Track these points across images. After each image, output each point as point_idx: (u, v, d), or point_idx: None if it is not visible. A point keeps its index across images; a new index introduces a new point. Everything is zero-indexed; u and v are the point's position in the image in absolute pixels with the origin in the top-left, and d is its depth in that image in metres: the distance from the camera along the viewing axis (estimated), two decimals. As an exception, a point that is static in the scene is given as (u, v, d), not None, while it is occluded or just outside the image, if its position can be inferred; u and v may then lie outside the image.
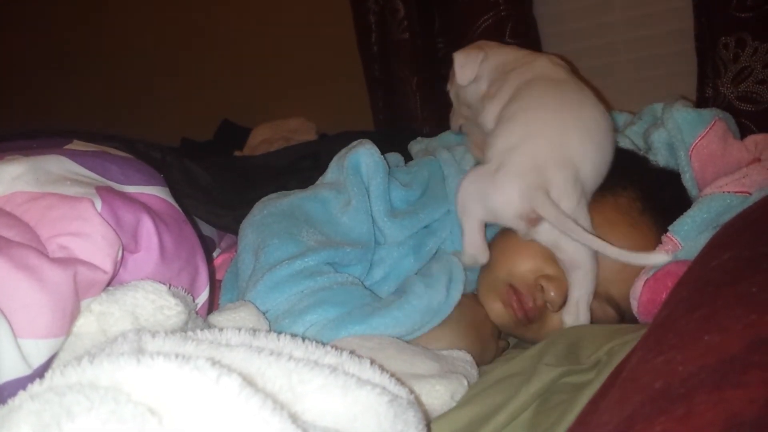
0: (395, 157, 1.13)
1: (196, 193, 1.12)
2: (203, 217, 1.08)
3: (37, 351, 0.58)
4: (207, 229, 1.10)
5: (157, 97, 2.56)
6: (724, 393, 0.41)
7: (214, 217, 1.10)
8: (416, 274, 0.95)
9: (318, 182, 1.07)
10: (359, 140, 1.04)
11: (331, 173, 1.05)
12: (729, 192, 0.86)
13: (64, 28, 2.69)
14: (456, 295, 0.91)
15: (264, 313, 0.88)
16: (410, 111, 1.92)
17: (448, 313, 0.90)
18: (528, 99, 0.98)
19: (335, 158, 1.05)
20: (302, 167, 1.42)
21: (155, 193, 0.80)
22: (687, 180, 0.97)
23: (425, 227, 1.03)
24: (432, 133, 1.80)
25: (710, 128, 0.95)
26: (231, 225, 1.06)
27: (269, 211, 0.98)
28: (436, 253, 1.00)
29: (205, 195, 1.14)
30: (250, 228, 0.97)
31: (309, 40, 2.23)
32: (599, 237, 0.86)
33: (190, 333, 0.62)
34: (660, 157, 1.02)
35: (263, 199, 1.03)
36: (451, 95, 1.20)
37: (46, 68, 2.75)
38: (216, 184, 1.19)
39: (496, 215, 0.92)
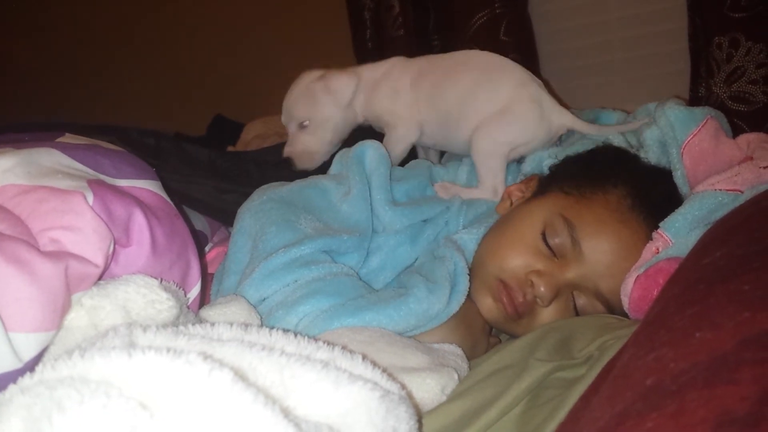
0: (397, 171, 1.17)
1: (196, 171, 1.12)
2: (209, 194, 1.08)
3: (28, 345, 0.58)
4: (199, 224, 1.10)
5: (149, 92, 2.55)
6: (715, 390, 0.41)
7: (219, 192, 1.11)
8: (419, 273, 0.94)
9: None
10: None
11: (334, 167, 1.08)
12: (721, 190, 0.86)
13: (58, 24, 2.68)
14: (456, 306, 0.91)
15: (262, 300, 0.89)
16: (404, 107, 1.92)
17: (444, 321, 0.91)
18: (460, 84, 1.16)
19: (340, 153, 1.08)
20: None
21: (147, 186, 0.80)
22: (678, 177, 0.98)
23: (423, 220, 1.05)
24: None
25: (702, 126, 0.95)
26: (234, 204, 1.06)
27: (269, 197, 0.99)
28: (438, 252, 1.00)
29: (207, 171, 1.14)
30: (248, 213, 0.99)
31: (303, 35, 2.22)
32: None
33: (181, 327, 0.61)
34: (652, 155, 1.03)
35: (263, 186, 1.04)
36: (305, 139, 1.27)
37: (40, 65, 2.74)
38: (217, 157, 1.20)
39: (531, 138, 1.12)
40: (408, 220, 1.02)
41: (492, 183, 1.11)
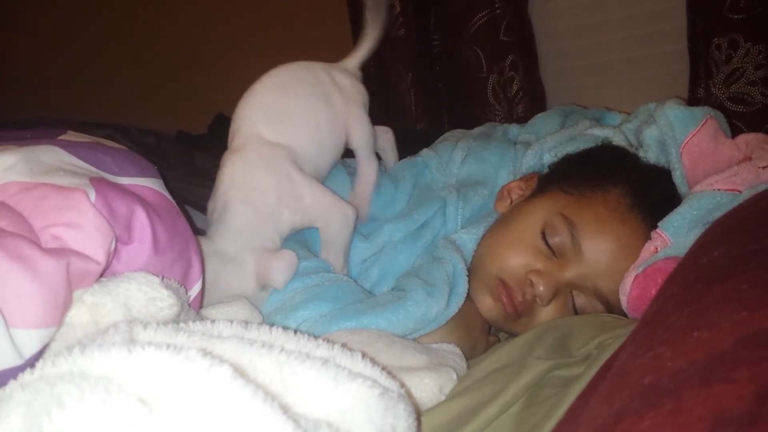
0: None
1: (195, 171, 1.12)
2: (207, 196, 1.09)
3: (29, 341, 0.58)
4: (201, 222, 1.10)
5: (151, 90, 2.55)
6: (713, 389, 0.41)
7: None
8: (417, 276, 0.94)
9: None
10: None
11: None
12: (719, 189, 0.86)
13: (58, 21, 2.68)
14: (455, 308, 0.91)
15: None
16: (404, 107, 1.92)
17: (443, 323, 0.91)
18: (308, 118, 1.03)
19: None
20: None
21: (149, 184, 0.79)
22: (677, 177, 0.98)
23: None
24: (426, 130, 1.81)
25: (702, 126, 0.95)
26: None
27: None
28: (437, 253, 1.00)
29: (203, 174, 1.14)
30: None
31: (304, 34, 2.22)
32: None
33: (182, 324, 0.61)
34: (651, 154, 1.03)
35: None
36: None
37: (40, 62, 2.73)
38: (210, 166, 1.20)
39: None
40: (401, 233, 1.03)
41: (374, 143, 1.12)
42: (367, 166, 1.08)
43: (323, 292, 0.88)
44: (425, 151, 1.20)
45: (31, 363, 0.56)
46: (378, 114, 1.99)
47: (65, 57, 2.69)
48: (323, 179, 1.05)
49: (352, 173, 1.10)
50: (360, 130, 1.07)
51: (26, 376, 0.51)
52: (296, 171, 0.95)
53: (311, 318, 0.86)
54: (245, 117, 1.01)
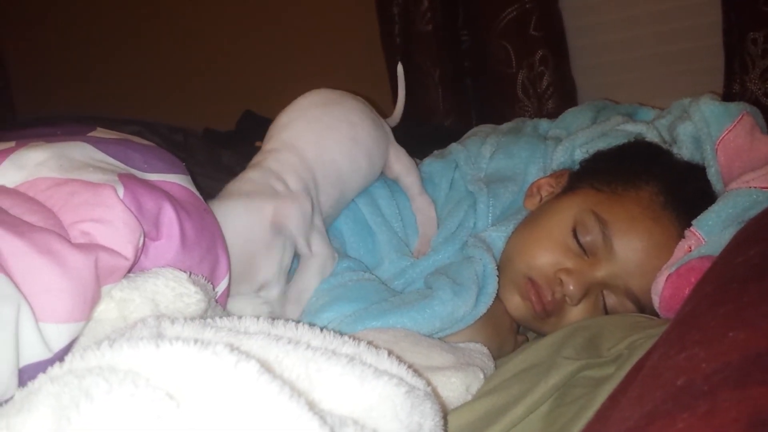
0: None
1: (223, 169, 1.13)
2: None
3: (58, 335, 0.59)
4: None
5: (179, 88, 2.58)
6: (748, 390, 0.41)
7: None
8: (446, 274, 0.93)
9: None
10: None
11: None
12: (755, 187, 0.84)
13: (87, 20, 2.72)
14: (483, 308, 0.90)
15: None
16: (432, 103, 1.91)
17: (471, 323, 0.90)
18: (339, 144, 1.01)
19: None
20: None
21: (177, 181, 0.80)
22: (712, 174, 0.96)
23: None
24: (454, 127, 1.80)
25: (738, 122, 0.93)
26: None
27: None
28: (467, 251, 0.98)
29: (230, 171, 1.15)
30: None
31: (332, 31, 2.23)
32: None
33: (209, 320, 0.62)
34: (685, 151, 1.01)
35: None
36: None
37: (73, 62, 2.78)
38: (235, 163, 1.21)
39: None
40: (438, 239, 1.02)
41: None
42: (422, 202, 1.08)
43: (347, 292, 0.88)
44: (453, 145, 1.19)
45: (59, 357, 0.57)
46: (405, 110, 1.99)
47: (94, 54, 2.72)
48: (349, 199, 1.05)
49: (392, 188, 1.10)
50: (403, 159, 1.09)
51: (55, 370, 0.52)
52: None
53: (336, 319, 0.86)
54: (283, 124, 1.02)
